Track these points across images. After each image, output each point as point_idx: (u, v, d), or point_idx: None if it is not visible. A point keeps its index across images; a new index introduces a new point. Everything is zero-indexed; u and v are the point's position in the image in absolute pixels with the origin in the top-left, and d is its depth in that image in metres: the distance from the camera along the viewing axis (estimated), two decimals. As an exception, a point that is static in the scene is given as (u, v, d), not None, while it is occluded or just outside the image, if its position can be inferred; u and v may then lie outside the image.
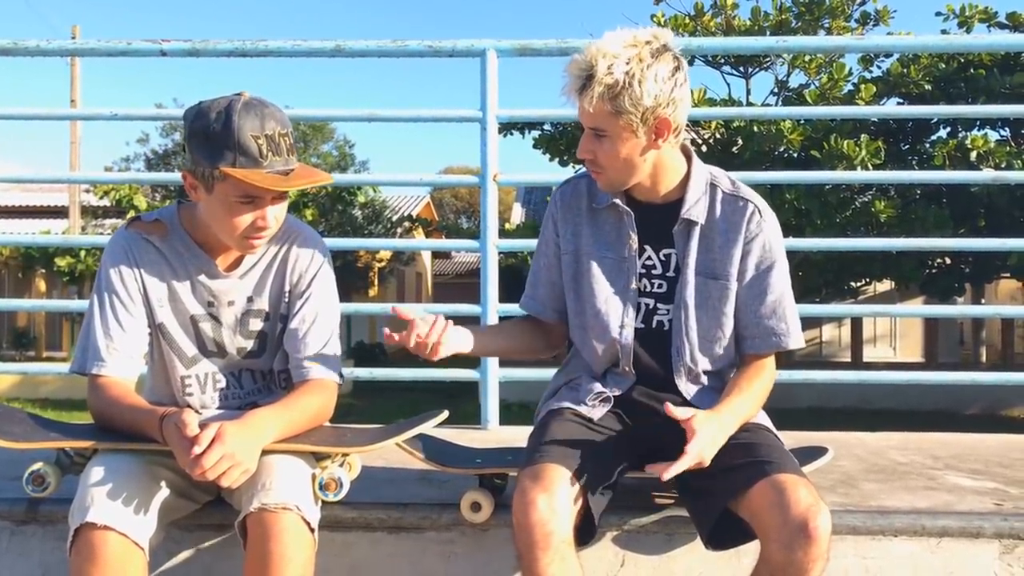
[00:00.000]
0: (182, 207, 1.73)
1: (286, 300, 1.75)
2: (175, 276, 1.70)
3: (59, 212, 19.09)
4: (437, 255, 29.40)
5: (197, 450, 1.41)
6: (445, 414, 1.75)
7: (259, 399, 1.76)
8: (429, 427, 1.73)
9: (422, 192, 23.57)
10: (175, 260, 1.70)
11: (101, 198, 16.27)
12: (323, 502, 1.61)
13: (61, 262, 16.23)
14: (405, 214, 19.42)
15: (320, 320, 1.72)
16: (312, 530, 1.50)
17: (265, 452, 1.53)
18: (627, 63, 1.55)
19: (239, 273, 1.72)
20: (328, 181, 1.66)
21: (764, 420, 1.73)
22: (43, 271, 17.82)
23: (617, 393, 1.72)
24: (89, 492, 1.45)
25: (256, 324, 1.74)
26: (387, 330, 1.61)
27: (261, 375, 1.78)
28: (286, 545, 1.43)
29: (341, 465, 1.70)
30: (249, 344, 1.74)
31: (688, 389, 1.71)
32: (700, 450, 1.48)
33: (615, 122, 1.59)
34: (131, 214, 14.99)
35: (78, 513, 1.44)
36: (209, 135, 1.53)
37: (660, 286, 1.73)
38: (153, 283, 1.69)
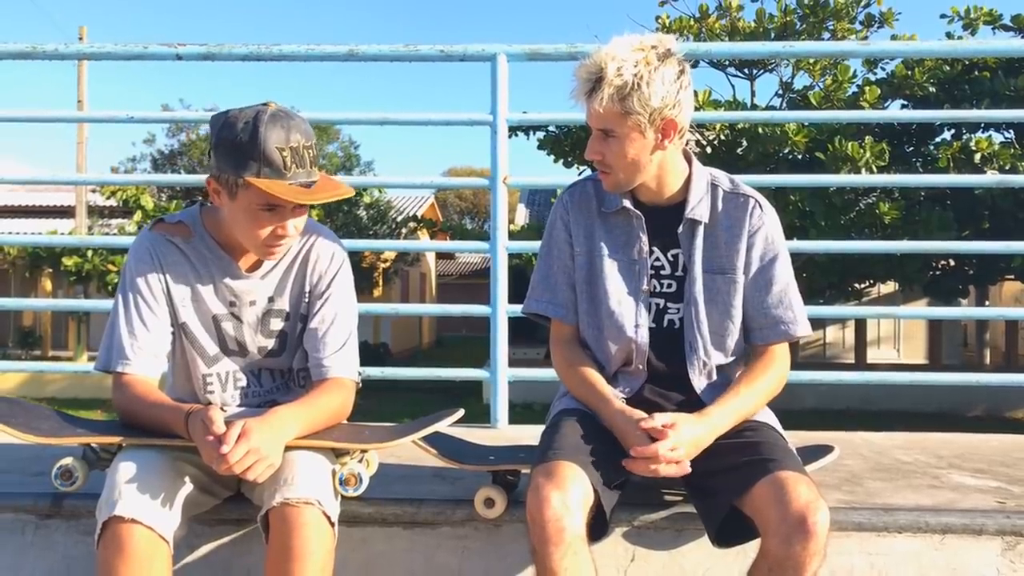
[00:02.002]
0: (204, 209, 1.77)
1: (306, 300, 1.79)
2: (198, 277, 1.74)
3: (65, 212, 19.14)
4: (441, 255, 29.42)
5: (226, 448, 1.45)
6: (461, 412, 1.79)
7: (278, 397, 1.80)
8: (446, 425, 1.76)
9: (426, 193, 23.61)
10: (198, 261, 1.74)
11: (108, 198, 16.31)
12: (342, 497, 1.65)
13: (68, 261, 16.25)
14: (410, 215, 19.45)
15: (339, 320, 1.76)
16: (332, 524, 1.54)
17: (287, 448, 1.57)
18: (635, 66, 1.60)
19: (260, 273, 1.76)
20: (350, 194, 1.69)
21: (770, 419, 1.76)
22: (50, 271, 17.87)
23: (629, 392, 1.76)
24: (117, 486, 1.49)
25: (277, 324, 1.78)
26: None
27: (280, 374, 1.82)
28: (307, 539, 1.47)
29: (360, 461, 1.73)
30: (270, 343, 1.78)
31: (701, 384, 1.75)
32: (670, 449, 1.54)
33: (624, 123, 1.63)
34: (138, 214, 15.05)
35: (106, 507, 1.48)
36: (235, 144, 1.57)
37: (669, 286, 1.77)
38: (176, 284, 1.73)
